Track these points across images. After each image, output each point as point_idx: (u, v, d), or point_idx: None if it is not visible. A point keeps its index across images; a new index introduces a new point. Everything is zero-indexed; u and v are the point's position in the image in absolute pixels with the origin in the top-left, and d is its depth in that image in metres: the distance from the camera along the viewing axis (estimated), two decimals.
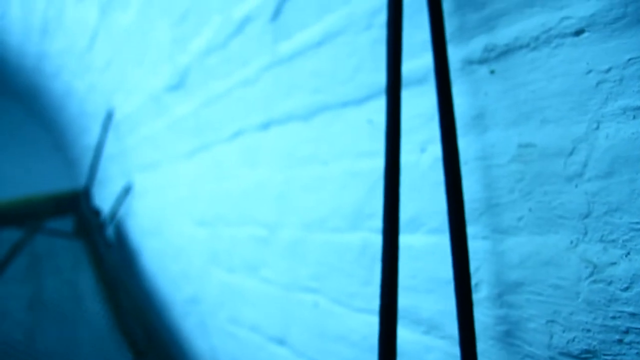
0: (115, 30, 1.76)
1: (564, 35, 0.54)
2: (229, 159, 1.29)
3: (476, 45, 0.64)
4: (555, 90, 0.56)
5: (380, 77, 0.79)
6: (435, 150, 0.71)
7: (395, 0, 0.65)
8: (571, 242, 0.54)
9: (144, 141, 1.98)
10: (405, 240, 0.76)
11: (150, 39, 1.55)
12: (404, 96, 0.74)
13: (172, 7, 1.35)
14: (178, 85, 1.48)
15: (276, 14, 0.98)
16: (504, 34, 0.60)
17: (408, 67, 0.73)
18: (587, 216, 0.53)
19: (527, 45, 0.58)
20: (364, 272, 0.85)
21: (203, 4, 1.21)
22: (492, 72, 0.62)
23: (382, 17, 0.76)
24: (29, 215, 2.41)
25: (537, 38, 0.57)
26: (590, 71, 0.52)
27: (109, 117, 2.30)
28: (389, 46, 0.65)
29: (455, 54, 0.66)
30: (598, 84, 0.52)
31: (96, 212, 2.51)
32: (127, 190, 2.33)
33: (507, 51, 0.60)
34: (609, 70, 0.51)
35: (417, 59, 0.72)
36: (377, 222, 0.82)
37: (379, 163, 0.81)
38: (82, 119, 2.87)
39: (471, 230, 0.65)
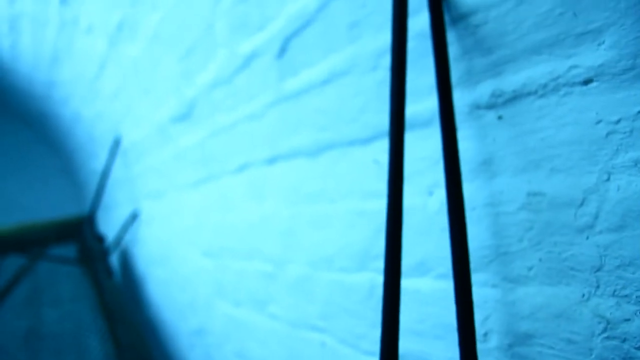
0: (123, 60, 1.78)
1: (573, 84, 0.54)
2: (235, 191, 1.28)
3: (483, 90, 0.63)
4: (564, 139, 0.55)
5: (385, 118, 0.78)
6: (443, 194, 0.70)
7: (399, 42, 0.65)
8: (583, 296, 0.53)
9: (150, 169, 1.98)
10: (413, 284, 0.74)
11: (158, 70, 1.56)
12: (411, 138, 0.74)
13: (178, 41, 1.36)
14: (184, 116, 1.49)
15: (282, 51, 0.98)
16: (511, 80, 0.60)
17: (414, 109, 0.73)
18: (599, 269, 0.52)
19: (535, 92, 0.57)
20: (372, 314, 0.84)
21: (209, 39, 1.21)
22: (499, 117, 0.62)
23: (388, 59, 0.76)
24: (32, 241, 2.42)
25: (545, 85, 0.56)
26: (599, 121, 0.52)
27: (116, 144, 2.31)
28: (392, 87, 0.64)
29: (462, 98, 0.66)
30: (608, 134, 0.51)
31: (100, 239, 2.51)
32: (133, 217, 2.33)
33: (515, 97, 0.60)
34: (618, 121, 0.50)
35: (423, 101, 0.72)
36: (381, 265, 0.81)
37: (385, 204, 0.80)
38: (89, 145, 2.89)
39: (480, 277, 0.64)
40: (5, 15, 2.13)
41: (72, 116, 2.76)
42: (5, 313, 2.01)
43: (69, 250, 2.43)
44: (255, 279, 1.21)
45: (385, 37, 0.76)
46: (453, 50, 0.66)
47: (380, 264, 0.82)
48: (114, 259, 2.71)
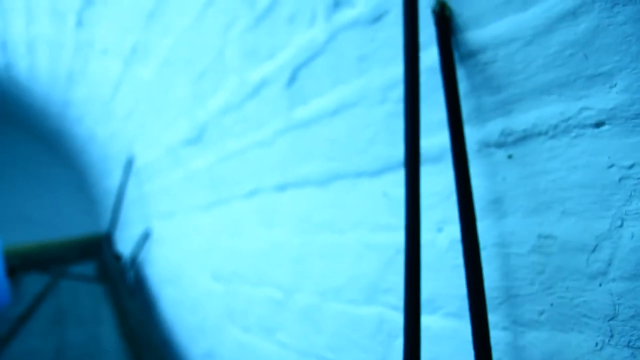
0: (137, 82, 1.79)
1: (584, 126, 0.53)
2: (245, 216, 1.28)
3: (493, 128, 0.62)
4: (576, 181, 0.54)
5: (395, 151, 0.78)
6: (453, 231, 0.69)
7: (411, 77, 0.65)
8: (596, 345, 0.51)
9: (161, 190, 1.99)
10: (423, 320, 0.73)
11: (170, 93, 1.57)
12: (421, 173, 0.73)
13: (190, 65, 1.37)
14: (195, 139, 1.49)
15: (291, 80, 0.98)
16: (521, 120, 0.59)
17: (424, 144, 0.72)
18: (612, 318, 0.50)
19: (546, 132, 0.56)
20: (381, 349, 0.82)
21: (220, 65, 1.22)
22: (509, 156, 0.61)
23: (397, 92, 0.75)
24: (53, 259, 2.44)
25: (555, 126, 0.55)
26: (612, 165, 0.51)
27: (129, 164, 2.33)
28: (406, 122, 0.64)
29: (471, 136, 0.65)
30: (621, 179, 0.50)
31: (117, 257, 2.52)
32: (146, 236, 2.34)
33: (525, 137, 0.59)
34: (632, 166, 0.49)
35: (433, 137, 0.71)
36: (394, 298, 0.79)
37: (395, 238, 0.79)
38: (103, 163, 2.91)
39: (491, 319, 0.62)
40: (23, 38, 2.17)
41: (87, 135, 2.79)
42: (30, 333, 2.02)
43: (88, 268, 2.45)
44: (265, 305, 1.20)
45: (393, 71, 0.75)
46: (462, 86, 0.66)
47: (389, 298, 0.81)
48: (130, 278, 2.72)
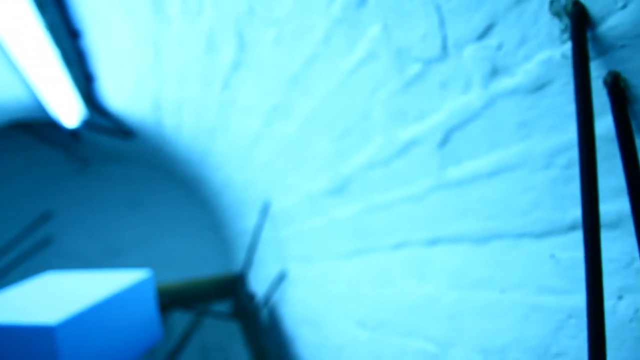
0: (276, 137, 1.93)
1: None
2: (392, 267, 1.32)
3: None
4: None
5: (562, 215, 0.78)
6: (636, 300, 0.68)
7: (587, 144, 0.66)
8: None
9: (299, 234, 2.10)
10: None
11: (310, 148, 1.68)
12: None
13: (332, 125, 1.46)
14: (337, 191, 1.57)
15: (444, 141, 1.02)
16: None
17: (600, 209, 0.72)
18: None
19: None
20: None
21: (364, 125, 1.29)
22: None
23: (563, 159, 0.76)
24: (196, 298, 2.64)
25: None
26: None
27: (265, 209, 2.48)
28: (583, 187, 0.65)
29: None
30: None
31: (251, 297, 2.67)
32: (281, 278, 2.46)
33: None
34: None
35: (609, 203, 0.71)
36: None
37: (566, 301, 0.79)
38: (238, 206, 3.13)
39: None
40: (173, 99, 2.43)
41: (224, 180, 3.02)
42: None
43: (223, 307, 2.62)
44: (417, 357, 1.22)
45: (559, 138, 0.76)
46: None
47: None
48: (264, 317, 2.86)
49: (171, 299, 2.52)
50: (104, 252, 3.97)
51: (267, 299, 2.66)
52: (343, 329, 1.69)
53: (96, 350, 1.23)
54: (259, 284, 2.90)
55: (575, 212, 0.76)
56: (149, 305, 1.48)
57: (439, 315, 1.12)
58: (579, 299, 0.77)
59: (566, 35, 0.70)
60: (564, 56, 0.71)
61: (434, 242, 1.13)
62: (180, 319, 2.90)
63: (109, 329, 1.29)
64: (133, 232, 4.03)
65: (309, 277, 2.06)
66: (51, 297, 1.33)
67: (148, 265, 3.81)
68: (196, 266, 3.91)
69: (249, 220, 2.99)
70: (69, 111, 2.73)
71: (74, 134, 3.41)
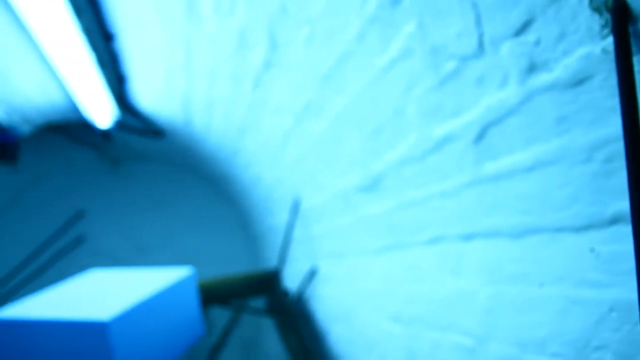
0: (306, 135, 1.96)
1: None
2: (426, 262, 1.33)
3: None
4: None
5: (602, 209, 0.79)
6: None
7: (634, 138, 0.67)
8: None
9: (330, 231, 2.12)
10: None
11: (341, 145, 1.70)
12: None
13: (364, 122, 1.47)
14: (370, 187, 1.59)
15: (480, 137, 1.03)
16: None
17: None
18: None
19: None
20: None
21: (398, 121, 1.31)
22: None
23: (603, 153, 0.77)
24: (232, 294, 2.69)
25: None
26: None
27: (296, 206, 2.52)
28: (630, 184, 0.65)
29: None
30: None
31: (285, 293, 2.71)
32: (312, 274, 2.49)
33: None
34: None
35: None
36: (609, 356, 0.79)
37: (607, 295, 0.79)
38: (266, 203, 3.17)
39: None
40: (203, 98, 2.48)
41: (253, 179, 3.06)
42: None
43: (259, 304, 2.66)
44: (453, 351, 1.23)
45: (599, 132, 0.77)
46: None
47: (604, 355, 0.81)
48: (296, 313, 2.90)
49: (209, 296, 2.57)
50: (135, 250, 4.06)
51: (300, 295, 2.70)
52: (376, 325, 1.71)
53: (146, 345, 1.28)
54: (290, 280, 2.94)
55: (616, 205, 0.77)
56: (193, 302, 1.52)
57: (475, 309, 1.13)
58: (621, 292, 0.77)
59: (606, 31, 0.71)
60: (604, 51, 0.72)
61: (469, 237, 1.14)
62: (219, 316, 2.95)
63: (157, 325, 1.33)
64: (162, 230, 4.11)
65: (340, 273, 2.08)
66: (100, 293, 1.37)
67: (177, 263, 3.88)
68: (224, 263, 3.96)
69: (277, 218, 3.03)
70: (102, 112, 2.80)
71: (105, 134, 3.50)
